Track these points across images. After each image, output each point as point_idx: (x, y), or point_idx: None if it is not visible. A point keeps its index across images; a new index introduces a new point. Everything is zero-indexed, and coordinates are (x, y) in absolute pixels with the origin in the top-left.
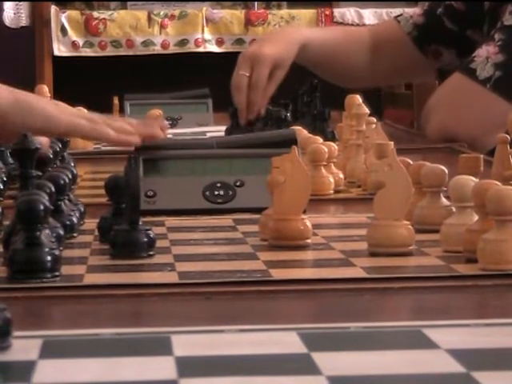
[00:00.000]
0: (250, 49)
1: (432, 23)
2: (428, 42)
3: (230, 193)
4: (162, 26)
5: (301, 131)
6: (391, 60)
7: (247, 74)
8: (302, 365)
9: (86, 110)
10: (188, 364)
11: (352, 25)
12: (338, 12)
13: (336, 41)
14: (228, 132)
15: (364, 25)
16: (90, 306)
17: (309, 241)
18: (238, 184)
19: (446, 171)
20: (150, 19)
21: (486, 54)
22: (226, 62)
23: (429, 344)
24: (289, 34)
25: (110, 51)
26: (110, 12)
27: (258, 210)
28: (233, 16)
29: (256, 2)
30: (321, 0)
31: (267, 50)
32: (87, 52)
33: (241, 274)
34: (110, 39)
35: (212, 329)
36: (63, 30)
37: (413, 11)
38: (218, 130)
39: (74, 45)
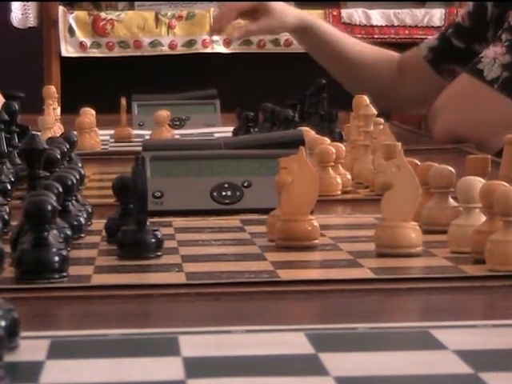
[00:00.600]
0: None
1: (443, 44)
2: (441, 62)
3: (238, 193)
4: (170, 27)
5: (308, 132)
6: (413, 84)
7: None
8: (309, 365)
9: (93, 111)
10: (195, 364)
11: (359, 25)
12: (345, 13)
13: (364, 47)
14: (235, 133)
15: (371, 25)
16: (98, 306)
17: (316, 241)
18: (245, 185)
19: (454, 172)
20: (157, 20)
21: (494, 55)
22: (233, 62)
23: (436, 345)
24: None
25: (117, 52)
26: (117, 13)
27: (266, 211)
28: None
29: None
30: (328, 0)
31: None
32: (95, 53)
33: (248, 275)
34: (117, 40)
35: (219, 329)
36: (71, 31)
37: (431, 37)
38: (225, 131)
39: (81, 45)
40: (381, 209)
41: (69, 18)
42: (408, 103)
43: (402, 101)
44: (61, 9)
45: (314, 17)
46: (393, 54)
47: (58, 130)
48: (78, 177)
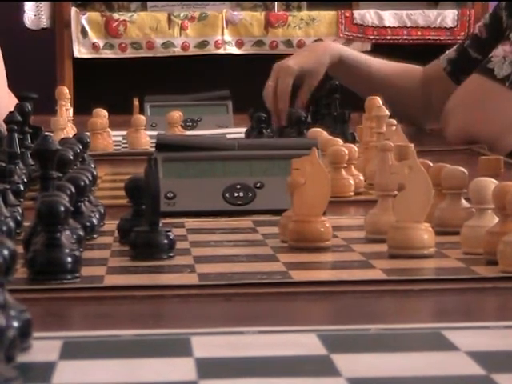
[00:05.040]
0: (279, 62)
1: (461, 56)
2: (460, 74)
3: (250, 194)
4: (182, 28)
5: (321, 133)
6: (437, 97)
7: (270, 83)
8: (321, 366)
9: (105, 112)
10: (207, 365)
11: (372, 26)
12: (358, 14)
13: (387, 64)
14: (248, 134)
15: (384, 26)
16: (110, 307)
17: (329, 242)
18: (257, 186)
19: (467, 173)
20: (170, 21)
21: (503, 54)
22: (245, 63)
23: (449, 346)
24: (324, 45)
25: (130, 53)
26: (130, 14)
27: (278, 212)
28: (253, 18)
29: (276, 4)
30: (341, 1)
31: (291, 62)
32: (107, 54)
33: (261, 276)
34: (130, 41)
35: (231, 330)
36: (83, 32)
37: (452, 49)
38: (237, 132)
39: (94, 46)
40: (393, 210)
41: (81, 19)
42: (435, 116)
43: (429, 114)
44: (73, 10)
45: (340, 46)
46: (415, 68)
47: (70, 130)
48: (90, 178)
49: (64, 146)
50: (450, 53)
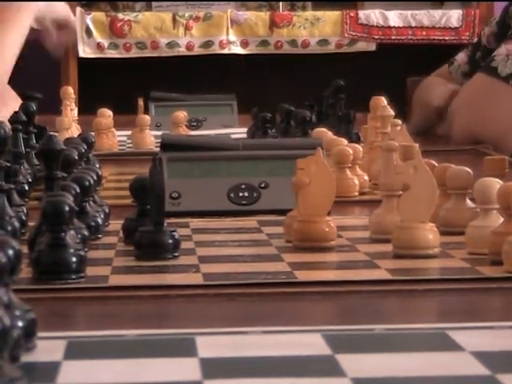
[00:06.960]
0: None
1: (474, 69)
2: None
3: (255, 194)
4: (187, 28)
5: (326, 133)
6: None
7: None
8: (326, 366)
9: (110, 112)
10: (212, 365)
11: (377, 26)
12: (362, 14)
13: None
14: (251, 132)
15: (389, 26)
16: (115, 307)
17: (333, 242)
18: (262, 185)
19: (472, 173)
20: (174, 21)
21: (506, 52)
22: (250, 63)
23: (453, 346)
24: None
25: (134, 53)
26: (134, 14)
27: (283, 212)
28: (258, 18)
29: (281, 4)
30: (345, 1)
31: None
32: (112, 53)
33: (265, 276)
34: (134, 41)
35: (236, 330)
36: (88, 32)
37: (460, 58)
38: (242, 132)
39: (98, 46)
40: (398, 210)
41: (86, 19)
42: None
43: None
44: (78, 10)
45: None
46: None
47: (75, 130)
48: (95, 177)
49: (69, 145)
50: (463, 67)
